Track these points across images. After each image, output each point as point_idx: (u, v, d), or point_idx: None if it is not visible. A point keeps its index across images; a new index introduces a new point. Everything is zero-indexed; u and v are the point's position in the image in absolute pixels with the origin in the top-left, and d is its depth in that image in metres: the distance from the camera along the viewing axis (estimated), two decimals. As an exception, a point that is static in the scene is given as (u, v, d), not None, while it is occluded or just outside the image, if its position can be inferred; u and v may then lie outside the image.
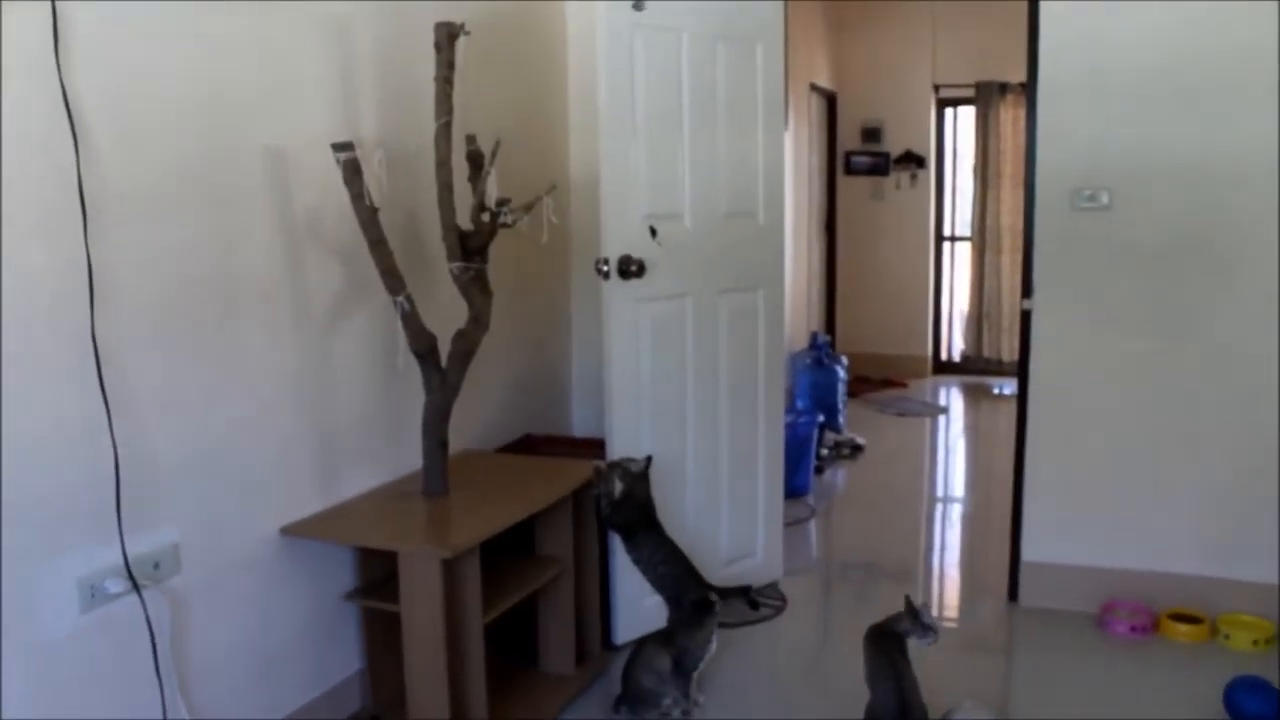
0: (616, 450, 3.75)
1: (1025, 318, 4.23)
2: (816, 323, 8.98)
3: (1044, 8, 4.04)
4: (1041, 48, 4.07)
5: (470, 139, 3.32)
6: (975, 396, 8.82)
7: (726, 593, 3.56)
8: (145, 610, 2.55)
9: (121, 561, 2.49)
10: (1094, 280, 4.10)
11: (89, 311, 2.40)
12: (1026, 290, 4.21)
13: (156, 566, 2.61)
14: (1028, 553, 4.28)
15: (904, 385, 9.03)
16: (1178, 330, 4.02)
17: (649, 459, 3.65)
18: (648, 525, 3.58)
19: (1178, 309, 4.01)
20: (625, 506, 3.58)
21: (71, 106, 2.35)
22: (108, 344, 2.45)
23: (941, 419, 8.13)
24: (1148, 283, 4.04)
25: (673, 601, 3.48)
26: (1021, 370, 4.26)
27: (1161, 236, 4.00)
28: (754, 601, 3.79)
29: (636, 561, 3.56)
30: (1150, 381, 4.08)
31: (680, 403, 3.99)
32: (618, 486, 3.59)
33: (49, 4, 2.29)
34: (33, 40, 2.28)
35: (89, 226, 2.40)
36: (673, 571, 3.52)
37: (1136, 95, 3.98)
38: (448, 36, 3.18)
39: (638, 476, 3.60)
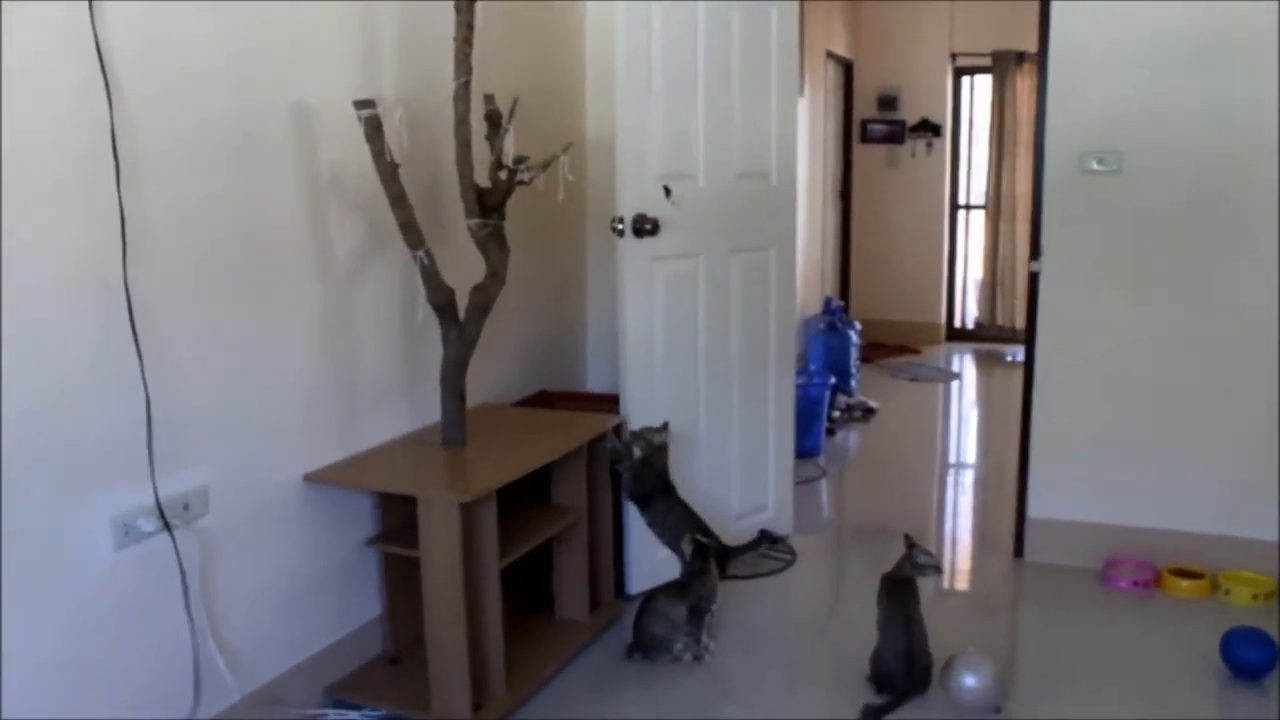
0: (630, 404, 3.85)
1: (1033, 279, 4.29)
2: (831, 289, 9.04)
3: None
4: (1054, 10, 4.12)
5: (488, 98, 3.39)
6: (988, 363, 8.88)
7: (744, 548, 3.83)
8: (176, 548, 2.66)
9: (153, 502, 2.60)
10: (1102, 243, 4.15)
11: (122, 262, 2.49)
12: (1035, 252, 4.26)
13: (186, 507, 2.71)
14: (1033, 509, 4.36)
15: (917, 352, 9.09)
16: (1183, 292, 4.08)
17: (666, 426, 3.77)
18: (664, 492, 3.73)
19: (1183, 270, 4.07)
20: (644, 475, 3.71)
21: (105, 61, 2.44)
22: (141, 294, 2.54)
23: (954, 384, 8.19)
24: (1155, 245, 4.09)
25: (682, 555, 3.61)
26: (1029, 330, 4.33)
27: (1171, 200, 4.05)
28: (772, 536, 4.02)
29: (651, 525, 3.74)
30: (1155, 342, 4.14)
31: (693, 359, 4.08)
32: (637, 455, 3.70)
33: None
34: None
35: (122, 179, 2.49)
36: (683, 530, 3.65)
37: (1149, 59, 4.03)
38: (467, -2, 3.24)
39: (658, 447, 3.74)
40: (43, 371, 2.34)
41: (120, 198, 2.48)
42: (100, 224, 2.46)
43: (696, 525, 3.68)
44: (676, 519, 3.69)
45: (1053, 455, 4.31)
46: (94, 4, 2.40)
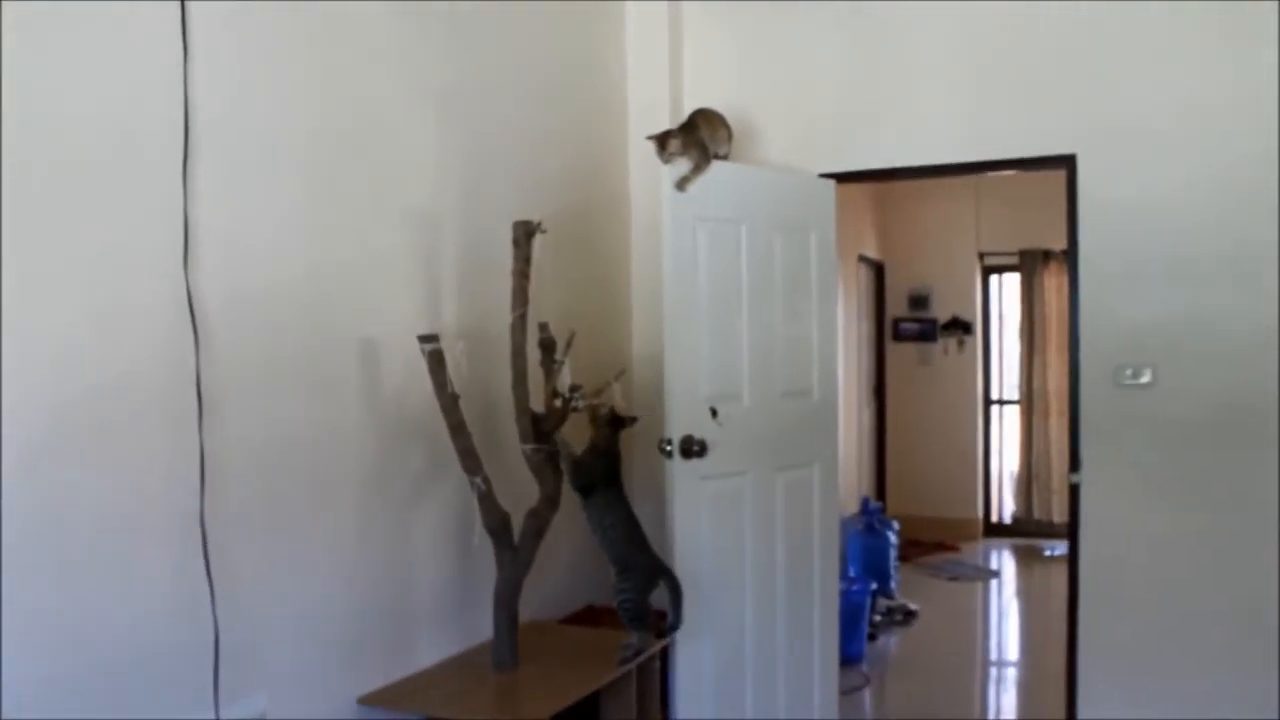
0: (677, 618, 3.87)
1: (1074, 491, 4.33)
2: (867, 486, 9.06)
3: (1082, 184, 4.26)
4: (1081, 225, 4.27)
5: (543, 326, 3.54)
6: (1027, 559, 8.81)
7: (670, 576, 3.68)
8: (237, 781, 2.69)
9: (217, 733, 2.64)
10: (1140, 455, 4.20)
11: (200, 498, 2.60)
12: (1074, 464, 4.32)
13: (247, 737, 2.75)
14: (1083, 711, 4.30)
15: (955, 548, 9.03)
16: (1225, 502, 4.09)
17: (617, 380, 3.65)
18: (607, 482, 3.56)
19: (1224, 482, 4.09)
20: (590, 463, 3.54)
21: (195, 307, 2.60)
22: (214, 526, 2.64)
23: (993, 583, 8.12)
24: (1194, 456, 4.13)
25: (619, 563, 3.52)
26: (1071, 542, 4.35)
27: (1204, 412, 4.11)
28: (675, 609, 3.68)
29: (588, 520, 3.55)
30: (1199, 552, 4.14)
31: (739, 575, 4.12)
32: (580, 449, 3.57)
33: (181, 212, 2.56)
34: (164, 244, 2.54)
35: (204, 417, 2.62)
36: (622, 539, 3.53)
37: (1177, 272, 4.15)
38: (525, 234, 3.43)
39: (605, 421, 3.56)
40: (121, 610, 2.43)
41: (201, 435, 2.61)
42: (181, 462, 2.58)
43: (637, 537, 3.56)
44: (615, 520, 3.52)
45: (1101, 659, 4.26)
46: (189, 252, 2.57)
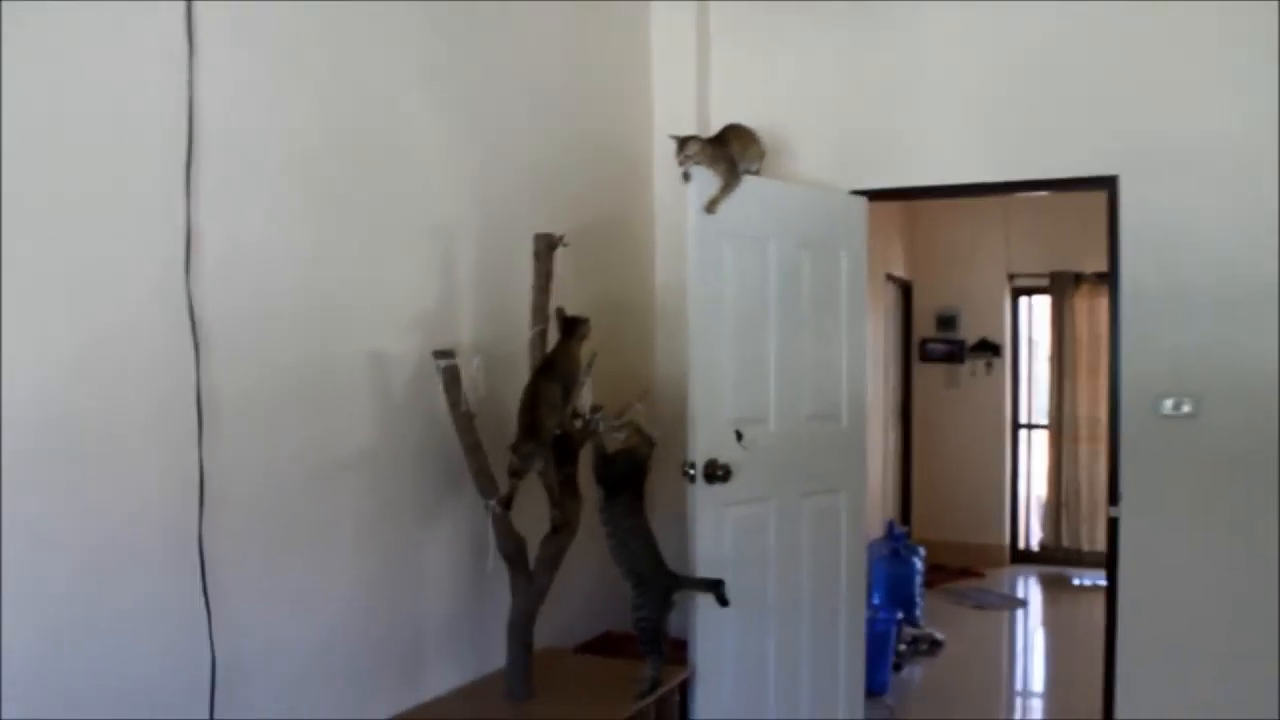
0: (699, 651, 3.75)
1: (1112, 524, 4.18)
2: (892, 510, 8.89)
3: (1124, 207, 4.12)
4: (1122, 250, 4.14)
5: (563, 345, 3.42)
6: (1054, 588, 8.61)
7: (698, 583, 3.58)
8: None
9: (213, 766, 2.51)
10: (1183, 489, 4.06)
11: (198, 521, 2.48)
12: (1113, 497, 4.17)
13: (245, 771, 2.62)
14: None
15: (981, 575, 8.84)
16: (1272, 540, 3.93)
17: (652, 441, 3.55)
18: (633, 493, 3.45)
19: (1271, 519, 3.93)
20: (621, 462, 3.44)
21: (196, 319, 2.48)
22: (212, 550, 2.52)
23: (1020, 612, 7.93)
24: (1239, 492, 3.98)
25: (634, 576, 3.41)
26: (1110, 576, 4.20)
27: (1249, 445, 3.96)
28: (723, 598, 3.52)
29: (606, 521, 3.42)
30: (1243, 591, 3.98)
31: (762, 602, 4.00)
32: (619, 439, 3.47)
33: (184, 220, 2.44)
34: (165, 253, 2.42)
35: (204, 436, 2.50)
36: (641, 550, 3.42)
37: (1220, 296, 4.00)
38: (546, 247, 3.32)
39: (646, 440, 3.47)
40: (113, 635, 2.31)
41: (201, 454, 2.49)
42: (179, 483, 2.46)
43: (655, 552, 3.44)
44: (634, 527, 3.42)
45: (1140, 698, 4.10)
46: (190, 262, 2.46)
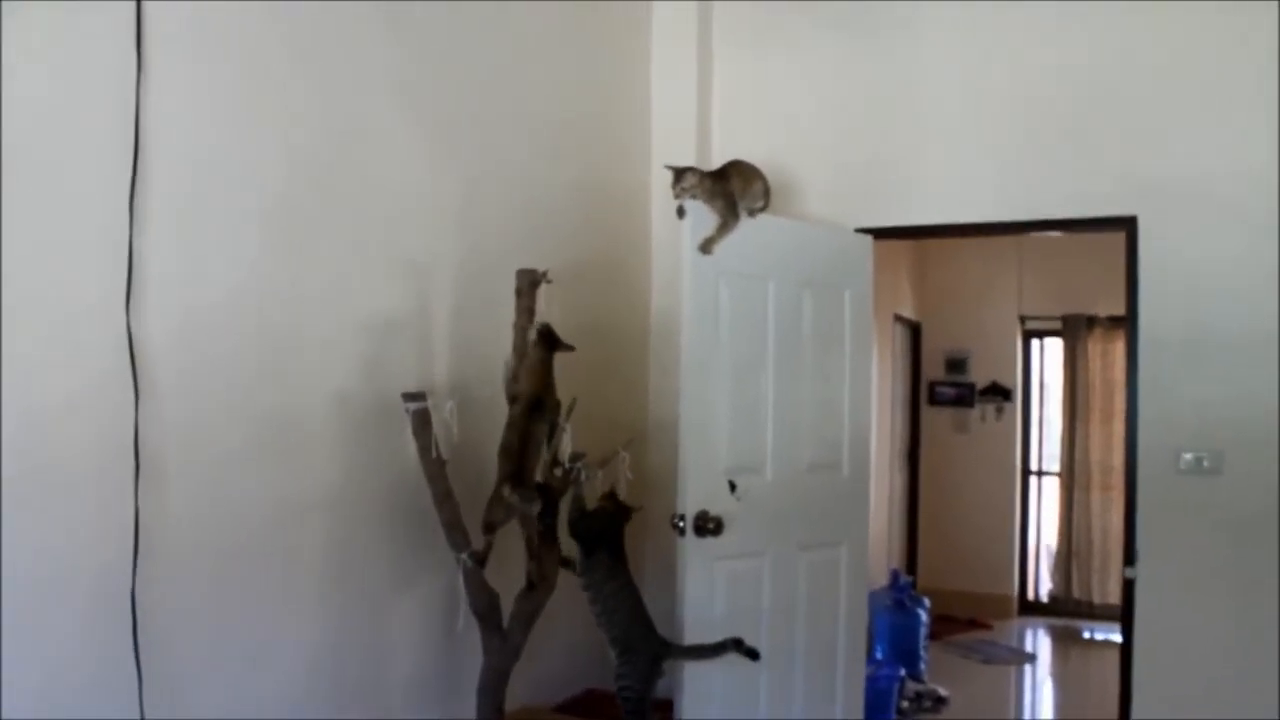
0: (685, 709, 3.56)
1: (1128, 586, 3.97)
2: (897, 557, 8.65)
3: (1143, 249, 3.95)
4: (1141, 293, 3.96)
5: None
6: (1065, 642, 8.35)
7: (697, 651, 3.35)
8: None
9: None
10: (1203, 550, 3.85)
11: (131, 572, 2.28)
12: (1129, 557, 3.95)
13: None
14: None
15: (989, 627, 8.58)
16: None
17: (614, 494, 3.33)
18: (612, 546, 3.22)
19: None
20: (599, 519, 3.22)
21: (135, 351, 2.28)
22: (147, 606, 2.31)
23: (1028, 668, 7.67)
24: (1263, 556, 3.76)
25: (620, 643, 3.18)
26: (1125, 638, 3.99)
27: (1275, 505, 3.74)
28: (751, 651, 3.33)
29: (587, 586, 3.19)
30: (1267, 658, 3.75)
31: (754, 665, 3.72)
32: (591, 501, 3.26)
33: (126, 243, 2.25)
34: (104, 279, 2.24)
35: (141, 479, 2.30)
36: (626, 615, 3.19)
37: (1245, 345, 3.81)
38: (529, 283, 3.13)
39: (622, 506, 3.25)
40: (26, 699, 2.09)
41: (138, 503, 2.29)
42: (113, 529, 2.26)
43: (643, 617, 3.22)
44: (618, 590, 3.20)
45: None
46: (132, 290, 2.27)
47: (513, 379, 3.10)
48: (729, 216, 3.71)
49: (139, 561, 2.29)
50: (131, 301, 2.28)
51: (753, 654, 3.28)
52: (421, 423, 2.87)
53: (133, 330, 2.28)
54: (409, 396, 2.88)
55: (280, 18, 2.67)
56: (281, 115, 2.70)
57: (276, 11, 2.66)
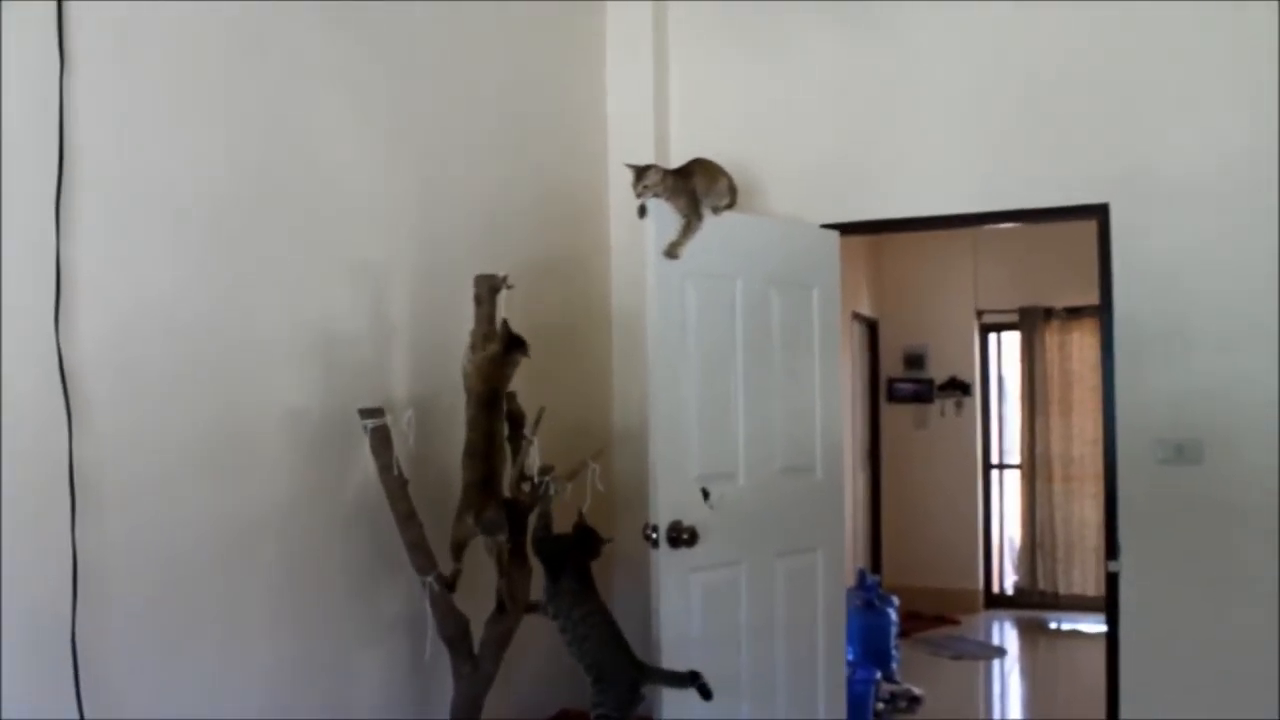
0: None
1: (1111, 580, 3.89)
2: (862, 556, 8.57)
3: (1116, 238, 3.87)
4: (1115, 283, 3.88)
5: (510, 396, 3.06)
6: (1033, 634, 8.32)
7: (671, 678, 3.14)
8: None
9: None
10: (1185, 541, 3.78)
11: (71, 609, 2.10)
12: (1111, 550, 3.88)
13: None
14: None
15: (956, 622, 8.52)
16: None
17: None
18: (578, 578, 3.03)
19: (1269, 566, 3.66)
20: (562, 543, 3.03)
21: (68, 374, 2.10)
22: (89, 644, 2.13)
23: (997, 663, 7.61)
24: (1246, 546, 3.71)
25: (594, 670, 2.99)
26: (1110, 631, 3.91)
27: (1257, 496, 3.68)
28: (705, 689, 3.09)
29: (555, 615, 3.00)
30: (1252, 648, 3.69)
31: (734, 679, 3.66)
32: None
33: (53, 254, 2.08)
34: (29, 293, 2.07)
35: (77, 511, 2.12)
36: (599, 641, 2.99)
37: (1222, 333, 3.75)
38: (489, 289, 2.97)
39: (590, 534, 3.08)
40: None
41: (75, 535, 2.11)
42: (49, 564, 2.09)
43: (617, 643, 3.02)
44: (587, 616, 2.98)
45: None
46: (60, 305, 2.09)
47: (467, 376, 2.93)
48: (692, 215, 3.57)
49: (79, 598, 2.11)
50: (61, 315, 2.10)
51: (705, 693, 3.07)
52: (381, 440, 2.71)
53: (62, 346, 2.10)
54: (366, 413, 2.71)
55: (218, 10, 2.50)
56: (222, 112, 2.53)
57: (214, 3, 2.49)
